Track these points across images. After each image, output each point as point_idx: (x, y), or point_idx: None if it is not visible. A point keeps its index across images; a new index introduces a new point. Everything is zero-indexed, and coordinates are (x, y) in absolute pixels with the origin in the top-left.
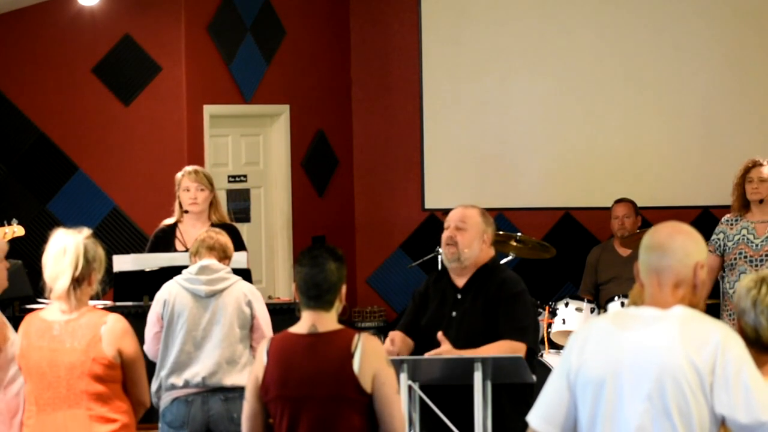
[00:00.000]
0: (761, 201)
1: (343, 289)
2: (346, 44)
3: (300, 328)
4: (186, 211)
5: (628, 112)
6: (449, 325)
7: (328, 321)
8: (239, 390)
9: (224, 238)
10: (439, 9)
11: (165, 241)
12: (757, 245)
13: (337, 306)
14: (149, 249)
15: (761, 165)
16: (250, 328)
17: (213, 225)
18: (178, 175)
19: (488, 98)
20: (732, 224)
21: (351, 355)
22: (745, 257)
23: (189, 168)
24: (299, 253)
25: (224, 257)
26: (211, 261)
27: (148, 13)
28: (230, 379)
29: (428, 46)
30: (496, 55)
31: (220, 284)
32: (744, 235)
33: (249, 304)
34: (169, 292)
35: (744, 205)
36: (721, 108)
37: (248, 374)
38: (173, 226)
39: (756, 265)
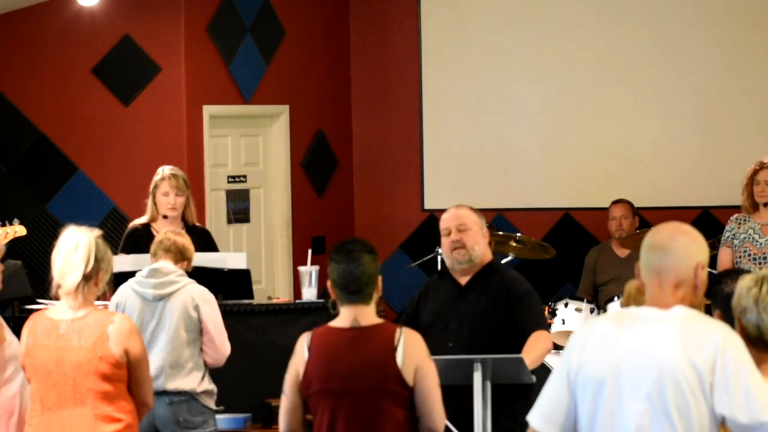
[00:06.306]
0: (766, 204)
1: (380, 280)
2: (345, 44)
3: (341, 322)
4: (165, 216)
5: (627, 113)
6: (451, 322)
7: (369, 314)
8: (184, 394)
9: (182, 240)
10: (439, 9)
11: (145, 241)
12: (761, 243)
13: (375, 298)
14: (125, 247)
15: None
16: (200, 332)
17: (186, 227)
18: (156, 177)
19: (488, 98)
20: (741, 222)
21: (394, 349)
22: (749, 255)
23: (167, 171)
24: (332, 250)
25: (181, 259)
26: (164, 263)
27: (148, 13)
28: (174, 383)
29: (428, 46)
30: (496, 55)
31: (168, 288)
32: (750, 234)
33: (196, 308)
34: (121, 295)
35: (753, 205)
36: (719, 108)
37: (288, 368)
38: (147, 226)
39: (759, 263)
